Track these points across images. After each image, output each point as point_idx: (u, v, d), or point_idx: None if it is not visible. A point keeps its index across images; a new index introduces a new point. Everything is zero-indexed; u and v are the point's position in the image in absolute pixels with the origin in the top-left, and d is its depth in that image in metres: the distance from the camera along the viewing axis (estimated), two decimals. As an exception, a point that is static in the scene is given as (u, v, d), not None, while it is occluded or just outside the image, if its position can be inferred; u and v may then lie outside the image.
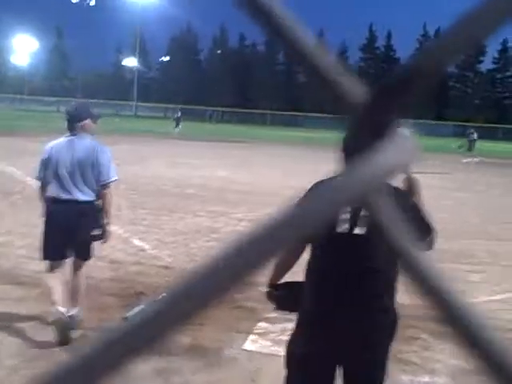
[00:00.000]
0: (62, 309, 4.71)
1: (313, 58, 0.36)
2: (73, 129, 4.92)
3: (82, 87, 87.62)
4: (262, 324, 5.13)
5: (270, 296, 3.10)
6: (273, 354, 4.51)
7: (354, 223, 2.63)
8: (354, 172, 0.34)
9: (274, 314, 5.23)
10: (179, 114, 38.46)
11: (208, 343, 4.69)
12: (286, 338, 4.43)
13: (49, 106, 71.68)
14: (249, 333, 4.95)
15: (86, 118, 4.95)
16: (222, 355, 4.52)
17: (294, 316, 2.87)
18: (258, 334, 4.92)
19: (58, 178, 4.81)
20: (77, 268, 4.98)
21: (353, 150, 0.36)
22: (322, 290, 2.73)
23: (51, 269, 4.88)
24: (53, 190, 4.82)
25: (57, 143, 4.95)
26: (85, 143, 4.88)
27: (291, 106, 74.73)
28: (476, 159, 27.68)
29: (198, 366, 4.33)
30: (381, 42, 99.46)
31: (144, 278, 6.43)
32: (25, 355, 4.39)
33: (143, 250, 7.60)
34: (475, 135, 29.00)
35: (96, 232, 4.93)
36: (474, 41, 0.35)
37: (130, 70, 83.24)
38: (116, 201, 10.91)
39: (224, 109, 77.21)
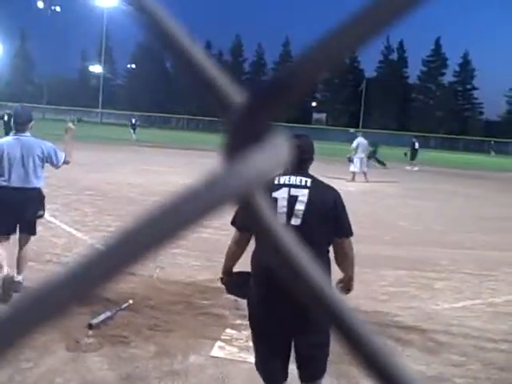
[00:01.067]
0: (9, 270, 5.75)
1: (189, 57, 0.36)
2: (21, 129, 5.85)
3: (47, 93, 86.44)
4: (229, 331, 5.14)
5: (222, 282, 3.56)
6: (240, 361, 4.52)
7: (289, 215, 3.08)
8: (221, 174, 0.34)
9: (241, 321, 5.25)
10: (134, 121, 38.76)
11: (174, 350, 4.67)
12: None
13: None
14: (216, 339, 4.95)
15: (32, 120, 5.97)
16: (189, 362, 4.50)
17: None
18: (225, 341, 4.92)
19: (10, 169, 5.70)
20: (24, 242, 5.97)
21: (229, 153, 0.35)
22: (264, 277, 3.09)
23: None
24: (5, 180, 5.72)
25: (6, 141, 5.91)
26: (31, 140, 5.89)
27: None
28: (416, 168, 28.72)
29: (164, 372, 4.31)
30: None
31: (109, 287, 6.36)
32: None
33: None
34: (416, 145, 30.14)
35: (41, 213, 6.06)
36: (345, 51, 0.35)
37: (96, 76, 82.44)
38: (81, 207, 10.89)
39: (189, 116, 77.07)
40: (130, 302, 5.62)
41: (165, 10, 0.37)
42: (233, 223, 3.32)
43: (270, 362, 3.32)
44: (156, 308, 5.65)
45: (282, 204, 3.14)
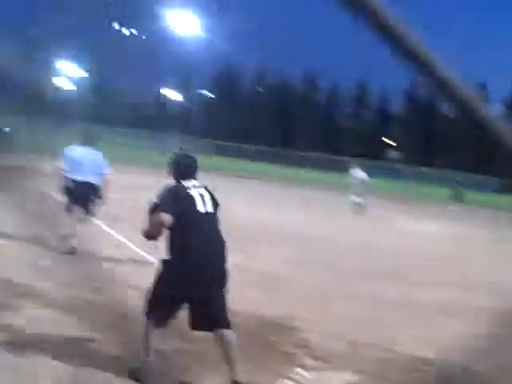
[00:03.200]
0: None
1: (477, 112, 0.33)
2: (89, 143, 9.27)
3: (123, 116, 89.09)
4: (298, 370, 4.98)
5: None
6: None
7: (205, 205, 4.56)
8: None
9: (312, 362, 5.10)
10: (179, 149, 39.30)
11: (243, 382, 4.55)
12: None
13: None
14: (285, 377, 4.80)
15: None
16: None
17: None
18: (295, 380, 4.77)
19: (79, 168, 8.81)
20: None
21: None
22: (192, 248, 4.38)
23: (70, 208, 8.93)
24: (74, 175, 8.83)
25: (77, 148, 9.15)
26: (94, 151, 9.17)
27: (329, 149, 74.71)
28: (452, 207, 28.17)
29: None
30: (423, 91, 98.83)
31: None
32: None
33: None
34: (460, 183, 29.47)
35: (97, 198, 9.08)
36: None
37: (172, 102, 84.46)
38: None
39: (261, 147, 77.52)
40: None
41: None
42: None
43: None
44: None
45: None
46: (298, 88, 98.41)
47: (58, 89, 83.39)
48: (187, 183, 4.69)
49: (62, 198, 9.17)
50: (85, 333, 5.30)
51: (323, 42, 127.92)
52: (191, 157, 5.13)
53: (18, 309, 5.79)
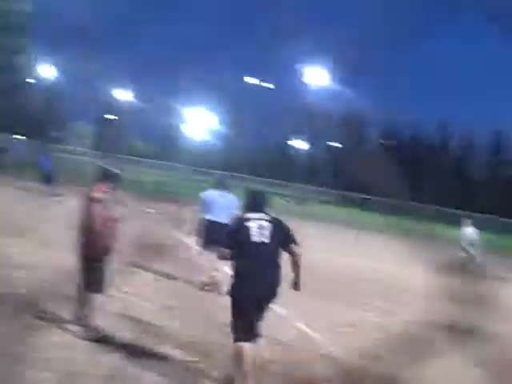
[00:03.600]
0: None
1: None
2: (223, 187, 10.04)
3: (248, 162, 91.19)
4: None
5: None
6: None
7: (261, 236, 5.20)
8: None
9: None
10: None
11: None
12: None
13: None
14: None
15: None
16: None
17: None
18: None
19: (215, 210, 9.52)
20: None
21: None
22: (244, 273, 5.15)
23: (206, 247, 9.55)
24: (211, 216, 9.54)
25: (213, 193, 9.97)
26: (230, 195, 9.87)
27: (459, 204, 71.77)
28: None
29: None
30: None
31: (310, 365, 6.31)
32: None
33: (311, 336, 7.50)
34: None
35: None
36: None
37: (297, 151, 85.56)
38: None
39: (384, 199, 76.14)
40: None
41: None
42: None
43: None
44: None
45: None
46: (428, 139, 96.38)
47: (187, 137, 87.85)
48: (251, 215, 5.37)
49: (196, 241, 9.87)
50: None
51: (455, 90, 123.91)
52: (260, 192, 6.05)
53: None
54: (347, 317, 9.05)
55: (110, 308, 6.91)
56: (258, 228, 5.23)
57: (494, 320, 9.55)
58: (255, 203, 5.55)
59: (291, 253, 5.36)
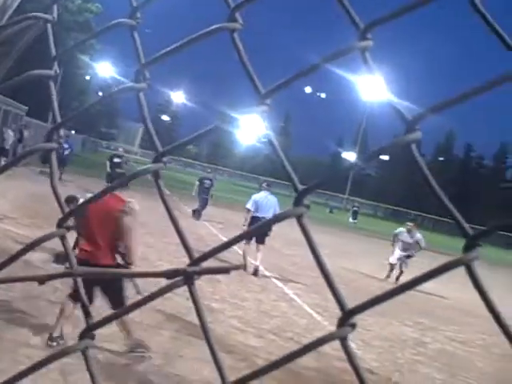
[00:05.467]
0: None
1: None
2: (267, 190, 12.52)
3: (300, 173, 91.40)
4: None
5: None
6: None
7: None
8: None
9: None
10: (355, 207, 40.96)
11: None
12: None
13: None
14: None
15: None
16: None
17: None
18: None
19: (260, 209, 12.06)
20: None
21: None
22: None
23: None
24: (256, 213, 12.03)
25: (260, 196, 12.38)
26: (272, 197, 12.31)
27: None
28: None
29: None
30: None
31: (347, 377, 6.27)
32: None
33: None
34: None
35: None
36: None
37: (348, 163, 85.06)
38: (322, 291, 10.99)
39: (432, 216, 74.95)
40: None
41: None
42: None
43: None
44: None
45: None
46: (484, 162, 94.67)
47: (238, 143, 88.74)
48: None
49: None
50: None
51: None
52: None
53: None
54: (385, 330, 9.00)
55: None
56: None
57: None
58: None
59: None
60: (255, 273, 11.38)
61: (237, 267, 0.73)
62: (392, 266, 14.93)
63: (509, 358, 8.58)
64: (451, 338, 9.29)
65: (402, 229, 15.07)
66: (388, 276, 14.94)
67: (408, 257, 14.60)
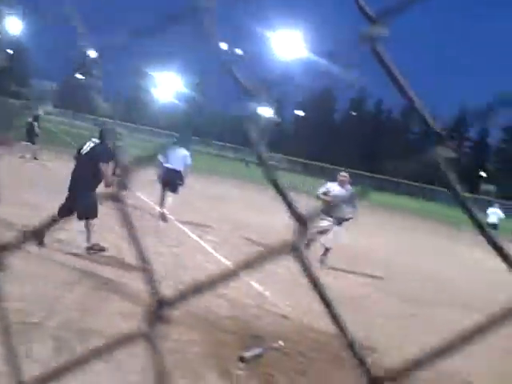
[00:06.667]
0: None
1: None
2: (180, 145, 13.31)
3: (212, 128, 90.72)
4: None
5: None
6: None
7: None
8: None
9: None
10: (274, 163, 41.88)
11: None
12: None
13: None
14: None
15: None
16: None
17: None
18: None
19: (170, 161, 12.85)
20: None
21: None
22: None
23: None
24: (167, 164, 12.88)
25: (169, 153, 12.86)
26: (182, 150, 13.16)
27: (419, 178, 73.00)
28: None
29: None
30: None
31: (261, 323, 6.51)
32: None
33: (264, 295, 7.71)
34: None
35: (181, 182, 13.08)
36: None
37: (264, 119, 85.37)
38: (236, 242, 11.18)
39: (350, 170, 76.92)
40: (281, 343, 5.69)
41: None
42: None
43: None
44: (304, 354, 5.66)
45: None
46: (392, 116, 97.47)
47: (154, 100, 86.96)
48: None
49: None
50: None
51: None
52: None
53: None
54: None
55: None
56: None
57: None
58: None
59: None
60: (164, 218, 12.22)
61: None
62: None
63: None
64: (362, 283, 9.79)
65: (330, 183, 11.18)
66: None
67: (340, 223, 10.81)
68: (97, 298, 6.23)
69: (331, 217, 10.33)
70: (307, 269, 0.48)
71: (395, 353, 6.10)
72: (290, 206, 0.56)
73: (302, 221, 0.54)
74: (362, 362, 0.44)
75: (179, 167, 13.07)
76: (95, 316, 5.64)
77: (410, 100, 0.55)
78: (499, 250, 0.49)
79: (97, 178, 8.13)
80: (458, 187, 0.52)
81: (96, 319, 5.53)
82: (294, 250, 0.50)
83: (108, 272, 7.40)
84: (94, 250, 8.21)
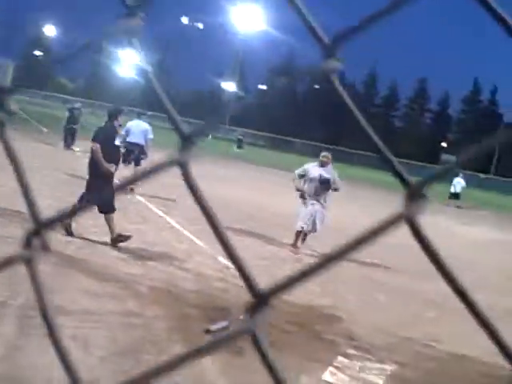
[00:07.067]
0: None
1: None
2: (138, 118, 14.20)
3: (180, 105, 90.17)
4: (341, 358, 5.10)
5: None
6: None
7: None
8: None
9: (353, 351, 5.21)
10: (240, 136, 42.84)
11: (287, 369, 4.70)
12: (364, 375, 4.42)
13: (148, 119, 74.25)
14: (328, 364, 4.93)
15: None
16: (301, 382, 4.53)
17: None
18: (337, 368, 4.89)
19: (131, 135, 13.40)
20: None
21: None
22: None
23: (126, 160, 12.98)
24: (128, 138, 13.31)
25: (132, 123, 13.78)
26: (144, 124, 13.92)
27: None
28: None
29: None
30: (485, 96, 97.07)
31: (227, 296, 6.54)
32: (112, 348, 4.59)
33: (228, 268, 7.74)
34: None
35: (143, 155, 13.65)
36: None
37: (228, 93, 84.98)
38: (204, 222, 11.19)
39: (314, 143, 77.40)
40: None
41: None
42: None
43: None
44: (272, 326, 5.71)
45: None
46: (356, 87, 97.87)
47: (115, 76, 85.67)
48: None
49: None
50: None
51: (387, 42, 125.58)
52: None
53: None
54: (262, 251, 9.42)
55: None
56: None
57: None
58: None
59: None
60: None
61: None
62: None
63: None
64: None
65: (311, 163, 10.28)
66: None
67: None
68: (59, 275, 6.17)
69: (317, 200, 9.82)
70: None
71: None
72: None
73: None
74: (246, 279, 0.48)
75: (141, 141, 13.51)
76: (59, 294, 5.59)
77: (300, 13, 0.54)
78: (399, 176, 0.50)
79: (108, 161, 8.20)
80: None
81: (59, 296, 5.49)
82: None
83: (70, 250, 7.33)
84: (120, 240, 7.95)
